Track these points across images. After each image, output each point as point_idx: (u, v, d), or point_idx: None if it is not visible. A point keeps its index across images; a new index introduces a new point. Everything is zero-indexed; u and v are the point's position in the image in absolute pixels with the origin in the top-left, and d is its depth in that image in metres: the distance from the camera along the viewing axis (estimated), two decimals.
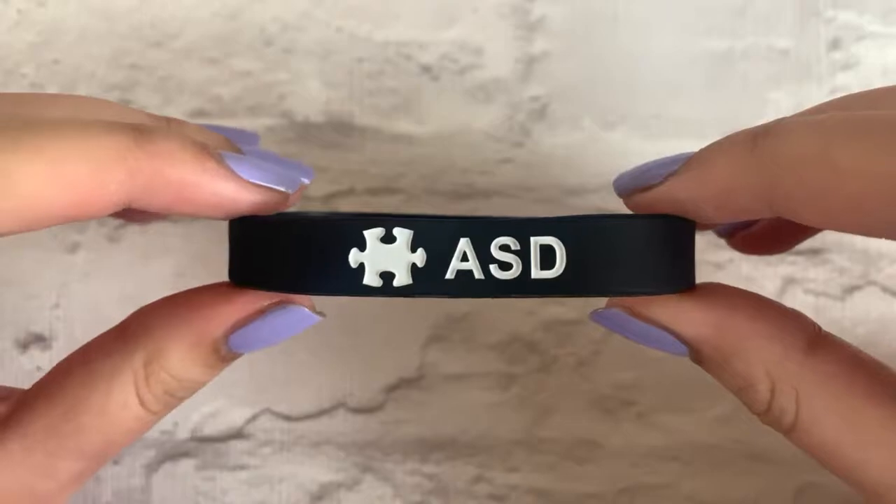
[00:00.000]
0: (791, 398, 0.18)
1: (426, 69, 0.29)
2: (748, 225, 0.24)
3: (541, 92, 0.29)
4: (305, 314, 0.19)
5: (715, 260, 0.29)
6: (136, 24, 0.29)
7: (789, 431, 0.19)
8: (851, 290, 0.28)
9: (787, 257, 0.28)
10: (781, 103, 0.29)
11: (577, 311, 0.29)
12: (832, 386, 0.18)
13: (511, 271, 0.18)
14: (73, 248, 0.29)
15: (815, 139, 0.17)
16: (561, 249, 0.18)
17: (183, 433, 0.29)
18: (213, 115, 0.29)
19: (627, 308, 0.20)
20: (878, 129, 0.16)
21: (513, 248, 0.18)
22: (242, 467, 0.29)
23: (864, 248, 0.28)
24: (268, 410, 0.29)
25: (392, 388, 0.29)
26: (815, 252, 0.28)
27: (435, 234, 0.18)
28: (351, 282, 0.18)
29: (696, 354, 0.20)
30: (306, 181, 0.21)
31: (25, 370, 0.29)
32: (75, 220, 0.17)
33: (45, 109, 0.19)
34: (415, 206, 0.29)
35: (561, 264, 0.18)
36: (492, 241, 0.18)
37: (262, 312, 0.19)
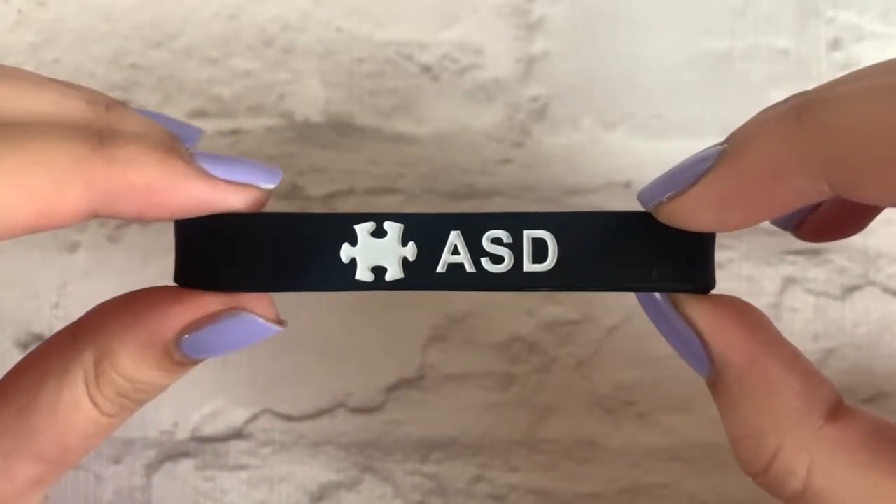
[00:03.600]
0: (802, 462, 0.17)
1: (426, 69, 0.29)
2: (813, 210, 0.21)
3: (541, 92, 0.29)
4: (260, 325, 0.19)
5: (715, 259, 0.29)
6: (137, 24, 0.29)
7: (795, 498, 0.17)
8: (851, 290, 0.28)
9: (787, 257, 0.28)
10: None
11: (578, 311, 0.29)
12: (853, 457, 0.17)
13: (503, 264, 0.18)
14: (73, 247, 0.29)
15: (877, 104, 0.15)
16: (553, 243, 0.18)
17: (183, 433, 0.29)
18: (214, 116, 0.29)
19: (674, 298, 0.19)
20: None
21: (505, 241, 0.18)
22: (242, 467, 0.29)
23: (864, 248, 0.28)
24: (268, 410, 0.29)
25: (392, 388, 0.29)
26: (815, 252, 0.28)
27: (425, 227, 0.18)
28: (343, 276, 0.18)
29: (716, 378, 0.18)
30: (271, 185, 0.19)
31: None
32: (39, 231, 0.17)
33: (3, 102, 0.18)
34: (415, 206, 0.29)
35: (553, 258, 0.18)
36: (483, 234, 0.18)
37: (213, 318, 0.18)
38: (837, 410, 0.17)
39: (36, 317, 0.29)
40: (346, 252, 0.18)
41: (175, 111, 0.29)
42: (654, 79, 0.29)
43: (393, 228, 0.18)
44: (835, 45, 0.29)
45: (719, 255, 0.29)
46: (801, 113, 0.16)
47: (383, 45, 0.29)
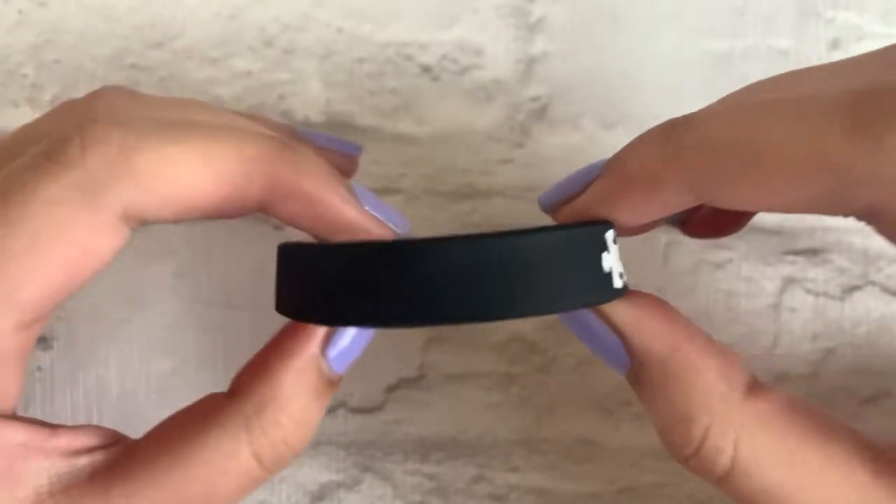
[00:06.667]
0: (729, 439, 0.18)
1: (426, 69, 0.29)
2: (696, 209, 0.23)
3: (541, 92, 0.29)
4: None
5: (714, 260, 0.29)
6: (137, 25, 0.29)
7: (725, 475, 0.18)
8: (851, 290, 0.28)
9: (786, 257, 0.29)
10: None
11: None
12: (773, 428, 0.18)
13: None
14: None
15: (732, 122, 0.17)
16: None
17: None
18: None
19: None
20: (790, 109, 0.16)
21: None
22: None
23: (864, 248, 0.28)
24: None
25: (392, 388, 0.29)
26: (814, 252, 0.28)
27: None
28: None
29: (639, 369, 0.19)
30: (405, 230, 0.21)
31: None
32: (216, 217, 0.19)
33: (200, 115, 0.20)
34: (415, 206, 0.29)
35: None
36: None
37: None
38: (753, 387, 0.19)
39: None
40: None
41: None
42: (654, 79, 0.29)
43: None
44: (835, 45, 0.29)
45: (719, 256, 0.29)
46: (669, 132, 0.18)
47: (383, 46, 0.29)
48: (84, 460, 0.19)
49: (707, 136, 0.17)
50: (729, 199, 0.18)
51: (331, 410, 0.29)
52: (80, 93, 0.29)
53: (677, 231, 0.24)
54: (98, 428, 0.20)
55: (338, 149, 0.23)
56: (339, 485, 0.29)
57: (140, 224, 0.18)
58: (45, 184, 0.17)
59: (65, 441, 0.19)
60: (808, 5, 0.29)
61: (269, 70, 0.29)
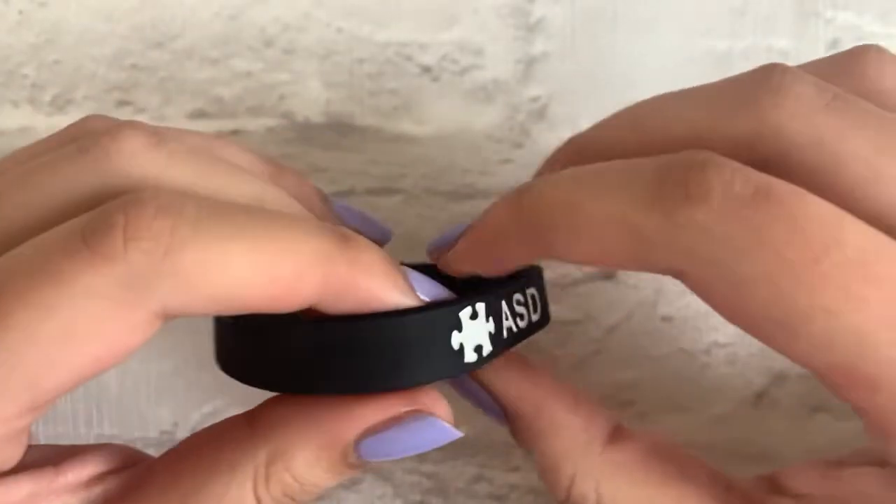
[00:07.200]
0: (591, 487, 0.20)
1: (426, 70, 0.29)
2: None
3: (541, 92, 0.29)
4: (446, 429, 0.19)
5: None
6: (137, 25, 0.29)
7: None
8: None
9: None
10: None
11: (578, 311, 0.29)
12: (630, 474, 0.20)
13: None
14: None
15: (563, 189, 0.19)
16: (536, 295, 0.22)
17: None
18: (214, 116, 0.29)
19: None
20: (606, 180, 0.18)
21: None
22: None
23: None
24: None
25: None
26: None
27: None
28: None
29: (513, 426, 0.21)
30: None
31: None
32: (258, 312, 0.17)
33: (245, 186, 0.19)
34: (415, 206, 0.29)
35: (538, 309, 0.22)
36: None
37: (398, 420, 0.19)
38: (615, 435, 0.21)
39: None
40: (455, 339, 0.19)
41: (175, 112, 0.29)
42: (654, 79, 0.29)
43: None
44: (834, 45, 0.29)
45: None
46: (517, 196, 0.19)
47: (383, 46, 0.29)
48: (96, 490, 0.19)
49: (542, 201, 0.19)
50: (562, 256, 0.19)
51: None
52: (80, 93, 0.29)
53: None
54: (109, 449, 0.20)
55: (368, 233, 0.22)
56: (338, 485, 0.29)
57: (174, 318, 0.17)
58: (83, 275, 0.16)
59: (72, 476, 0.19)
60: (808, 5, 0.29)
61: (269, 70, 0.29)
